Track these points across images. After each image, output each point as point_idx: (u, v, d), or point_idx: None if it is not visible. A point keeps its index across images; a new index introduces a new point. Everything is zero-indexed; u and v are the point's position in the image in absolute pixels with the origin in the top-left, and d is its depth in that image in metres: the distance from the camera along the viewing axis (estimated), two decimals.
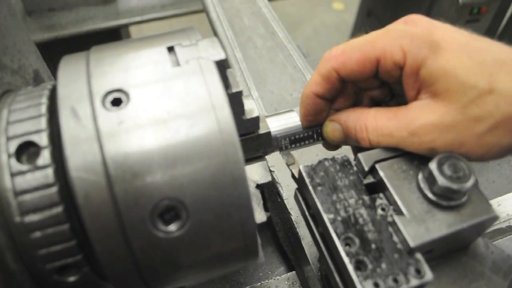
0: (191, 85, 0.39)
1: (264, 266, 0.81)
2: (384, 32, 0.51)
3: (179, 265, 0.40)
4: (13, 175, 0.38)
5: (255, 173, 0.54)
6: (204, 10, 1.25)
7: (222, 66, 0.43)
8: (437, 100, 0.47)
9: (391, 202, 0.48)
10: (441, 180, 0.45)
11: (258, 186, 0.53)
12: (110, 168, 0.35)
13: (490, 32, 1.97)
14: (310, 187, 0.50)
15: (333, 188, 0.50)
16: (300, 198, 0.55)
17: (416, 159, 0.50)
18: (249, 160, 0.57)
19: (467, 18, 1.84)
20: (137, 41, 0.45)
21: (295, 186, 0.56)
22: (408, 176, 0.49)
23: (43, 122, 0.41)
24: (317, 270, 0.66)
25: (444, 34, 0.48)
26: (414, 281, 0.43)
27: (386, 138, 0.50)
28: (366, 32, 0.52)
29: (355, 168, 0.52)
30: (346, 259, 0.45)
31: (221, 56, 0.42)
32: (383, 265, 0.44)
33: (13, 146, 0.39)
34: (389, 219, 0.47)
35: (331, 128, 0.57)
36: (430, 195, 0.47)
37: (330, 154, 0.54)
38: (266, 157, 0.60)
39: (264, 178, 0.54)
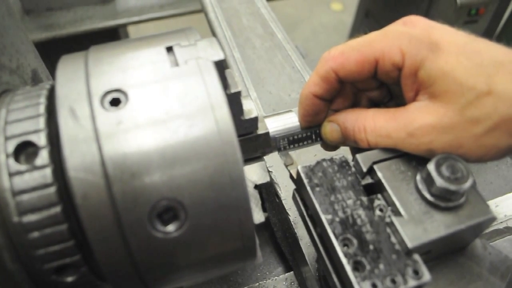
0: (189, 85, 0.39)
1: (262, 267, 0.81)
2: (382, 33, 0.51)
3: (177, 265, 0.40)
4: (11, 175, 0.38)
5: (254, 173, 0.54)
6: (202, 10, 1.25)
7: (221, 67, 0.43)
8: (435, 102, 0.47)
9: (389, 203, 0.49)
10: (439, 181, 0.45)
11: (257, 187, 0.53)
12: (109, 168, 0.35)
13: (488, 33, 1.98)
14: (308, 188, 0.50)
15: (331, 189, 0.50)
16: (298, 199, 0.55)
17: (414, 160, 0.50)
18: (248, 160, 0.57)
19: (465, 19, 1.84)
20: (135, 41, 0.44)
21: (293, 186, 0.56)
22: (406, 177, 0.49)
23: (41, 122, 0.41)
24: (315, 271, 0.66)
25: (442, 35, 0.48)
26: (412, 282, 0.43)
27: (384, 139, 0.50)
28: (365, 32, 0.52)
29: (353, 169, 0.52)
30: (344, 260, 0.45)
31: (219, 56, 0.42)
32: (381, 266, 0.44)
33: (12, 146, 0.39)
34: (387, 220, 0.48)
35: (329, 129, 0.57)
36: (428, 196, 0.47)
37: (328, 154, 0.54)
38: (265, 157, 0.60)
39: (263, 179, 0.54)
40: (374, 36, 0.51)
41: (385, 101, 0.58)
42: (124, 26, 2.19)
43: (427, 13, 1.93)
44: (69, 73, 0.40)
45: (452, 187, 0.45)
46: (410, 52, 0.48)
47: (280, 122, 0.59)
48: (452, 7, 1.79)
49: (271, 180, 0.80)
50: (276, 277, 0.76)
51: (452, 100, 0.46)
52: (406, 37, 0.48)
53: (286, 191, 0.78)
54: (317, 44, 3.66)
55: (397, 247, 0.46)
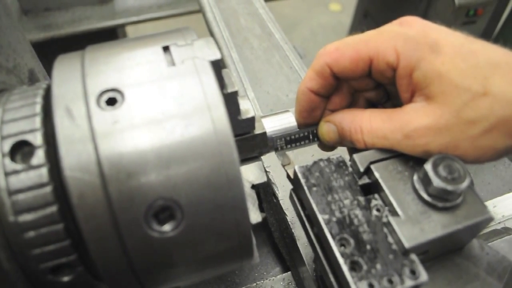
0: (186, 85, 0.39)
1: (259, 267, 0.81)
2: (378, 32, 0.51)
3: (174, 265, 0.40)
4: (7, 174, 0.38)
5: (251, 173, 0.54)
6: (200, 11, 1.25)
7: (218, 66, 0.43)
8: (431, 103, 0.47)
9: (386, 203, 0.49)
10: (436, 181, 0.45)
11: (254, 187, 0.53)
12: (105, 168, 0.35)
13: (486, 34, 1.98)
14: (305, 188, 0.50)
15: (328, 189, 0.50)
16: (295, 199, 0.55)
17: (411, 160, 0.50)
18: (245, 160, 0.57)
19: (464, 20, 1.84)
20: (132, 41, 0.44)
21: (290, 186, 0.56)
22: (403, 177, 0.49)
23: (37, 122, 0.41)
24: (312, 271, 0.66)
25: (439, 36, 0.48)
26: (409, 282, 0.43)
27: (381, 140, 0.50)
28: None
29: (350, 169, 0.52)
30: (341, 260, 0.45)
31: (216, 56, 0.42)
32: (378, 266, 0.44)
33: (7, 145, 0.39)
34: (384, 220, 0.48)
35: (326, 129, 0.57)
36: (425, 196, 0.47)
37: (325, 154, 0.54)
38: (262, 157, 0.60)
39: (260, 179, 0.54)
40: (370, 35, 0.51)
41: (382, 102, 0.58)
42: (122, 26, 2.19)
43: (425, 14, 1.94)
44: (66, 72, 0.40)
45: (449, 187, 0.45)
46: (405, 53, 0.48)
47: (277, 122, 0.59)
48: (450, 8, 1.80)
49: (269, 180, 0.80)
50: (273, 277, 0.76)
51: (448, 101, 0.46)
52: (402, 38, 0.48)
53: (283, 191, 0.78)
54: (315, 44, 3.66)
55: (394, 247, 0.46)
